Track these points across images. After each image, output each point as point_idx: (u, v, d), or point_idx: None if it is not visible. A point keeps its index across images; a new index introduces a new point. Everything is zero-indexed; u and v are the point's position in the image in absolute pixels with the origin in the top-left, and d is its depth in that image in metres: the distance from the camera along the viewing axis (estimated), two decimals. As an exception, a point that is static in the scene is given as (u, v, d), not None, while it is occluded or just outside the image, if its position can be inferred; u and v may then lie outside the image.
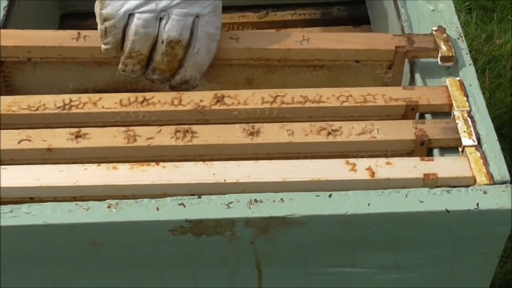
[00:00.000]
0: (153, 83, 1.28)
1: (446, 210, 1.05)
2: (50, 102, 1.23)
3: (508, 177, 1.10)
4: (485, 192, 1.07)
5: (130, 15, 1.19)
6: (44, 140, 1.17)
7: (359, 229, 1.08)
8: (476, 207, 1.05)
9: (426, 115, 1.23)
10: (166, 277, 1.16)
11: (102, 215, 1.06)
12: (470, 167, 1.11)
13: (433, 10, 1.38)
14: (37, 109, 1.22)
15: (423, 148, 1.17)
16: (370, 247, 1.12)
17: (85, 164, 1.13)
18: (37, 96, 1.25)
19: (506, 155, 2.31)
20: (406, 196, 1.07)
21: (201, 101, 1.22)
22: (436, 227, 1.08)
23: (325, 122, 1.18)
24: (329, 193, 1.07)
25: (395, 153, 1.18)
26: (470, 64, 1.27)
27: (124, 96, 1.24)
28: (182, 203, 1.06)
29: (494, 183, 1.09)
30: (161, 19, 1.19)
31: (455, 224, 1.08)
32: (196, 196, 1.07)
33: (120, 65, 1.25)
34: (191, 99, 1.23)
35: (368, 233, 1.09)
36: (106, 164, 1.13)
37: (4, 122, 1.22)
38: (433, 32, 1.30)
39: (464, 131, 1.17)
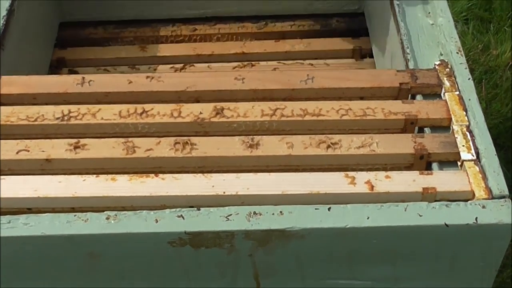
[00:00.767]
0: None
1: (445, 224, 1.05)
2: (49, 113, 1.23)
3: (506, 192, 1.10)
4: (483, 207, 1.07)
5: None
6: (43, 151, 1.17)
7: (358, 242, 1.08)
8: (475, 221, 1.05)
9: (425, 129, 1.23)
10: (164, 288, 1.16)
11: (100, 227, 1.05)
12: (469, 181, 1.12)
13: (432, 24, 1.39)
14: (35, 120, 1.22)
15: (422, 162, 1.17)
16: (369, 260, 1.12)
17: (83, 175, 1.13)
18: (36, 107, 1.24)
19: (501, 165, 2.33)
20: (405, 210, 1.07)
21: (201, 113, 1.22)
22: (434, 241, 1.08)
23: (324, 135, 1.18)
24: (328, 206, 1.07)
25: (394, 166, 1.18)
26: (469, 79, 1.27)
27: (123, 107, 1.23)
28: (181, 215, 1.06)
29: (493, 198, 1.09)
30: None
31: (454, 238, 1.08)
32: (195, 208, 1.07)
33: None
34: (190, 111, 1.23)
35: (367, 246, 1.09)
36: (105, 175, 1.13)
37: (3, 132, 1.21)
38: (436, 67, 1.30)
39: (463, 145, 1.17)
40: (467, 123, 1.20)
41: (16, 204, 1.11)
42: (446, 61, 1.31)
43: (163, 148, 1.17)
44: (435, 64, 1.30)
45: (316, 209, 1.07)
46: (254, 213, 1.06)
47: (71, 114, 1.23)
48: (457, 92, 1.25)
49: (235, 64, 1.86)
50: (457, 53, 1.32)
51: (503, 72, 2.61)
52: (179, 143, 1.18)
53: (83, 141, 1.19)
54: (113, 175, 1.13)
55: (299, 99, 1.28)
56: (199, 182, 1.11)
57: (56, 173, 1.15)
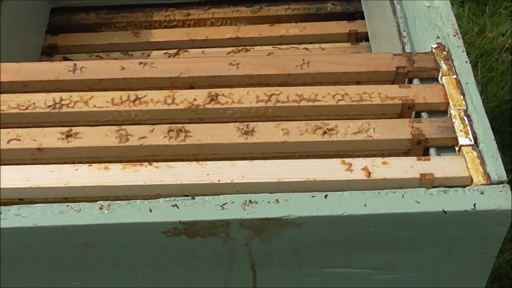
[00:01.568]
0: None
1: (443, 210, 1.04)
2: (41, 101, 1.21)
3: (505, 177, 1.09)
4: (482, 193, 1.06)
5: None
6: (34, 140, 1.15)
7: (355, 230, 1.07)
8: (473, 207, 1.04)
9: (423, 114, 1.21)
10: (160, 278, 1.14)
11: (93, 217, 1.04)
12: (467, 167, 1.10)
13: (429, 6, 1.37)
14: (26, 108, 1.20)
15: (420, 147, 1.16)
16: (367, 247, 1.10)
17: (76, 164, 1.11)
18: (27, 95, 1.22)
19: (498, 149, 2.32)
20: (402, 197, 1.05)
21: (195, 99, 1.20)
22: (433, 228, 1.07)
23: (320, 121, 1.17)
24: (325, 193, 1.06)
25: (391, 152, 1.17)
26: (466, 62, 1.25)
27: (116, 94, 1.21)
28: (176, 204, 1.05)
29: (491, 183, 1.08)
30: None
31: (452, 224, 1.06)
32: (190, 197, 1.05)
33: None
34: (184, 98, 1.21)
35: (365, 233, 1.07)
36: (98, 164, 1.11)
37: (-7, 121, 1.20)
38: (433, 50, 1.28)
39: (461, 130, 1.15)
40: (465, 108, 1.18)
41: (8, 195, 1.09)
42: (443, 44, 1.29)
43: (157, 136, 1.16)
44: (432, 47, 1.29)
45: (312, 196, 1.05)
46: (250, 201, 1.05)
47: (63, 102, 1.21)
48: (455, 76, 1.24)
49: (230, 49, 1.85)
50: (454, 35, 1.30)
51: (499, 55, 2.59)
52: (173, 130, 1.16)
53: (75, 129, 1.17)
54: (106, 164, 1.11)
55: (295, 84, 1.26)
56: (193, 170, 1.10)
57: (48, 163, 1.13)
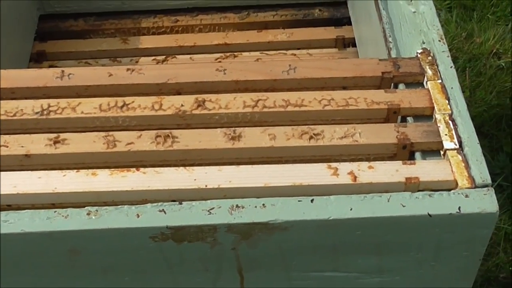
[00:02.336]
0: None
1: (428, 214, 1.05)
2: (28, 108, 1.21)
3: (489, 181, 1.10)
4: (466, 196, 1.07)
5: None
6: (22, 146, 1.16)
7: (341, 234, 1.08)
8: (458, 211, 1.05)
9: (408, 118, 1.22)
10: (147, 283, 1.15)
11: (81, 223, 1.04)
12: (452, 170, 1.11)
13: (414, 12, 1.38)
14: (14, 115, 1.20)
15: (405, 151, 1.17)
16: (353, 251, 1.11)
17: (64, 170, 1.12)
18: (14, 101, 1.23)
19: (486, 153, 2.33)
20: (388, 201, 1.06)
21: (182, 105, 1.21)
22: (418, 231, 1.08)
23: (307, 126, 1.18)
24: (311, 198, 1.06)
25: (377, 156, 1.17)
26: (451, 67, 1.26)
27: (104, 101, 1.22)
28: (163, 209, 1.05)
29: (476, 187, 1.09)
30: None
31: (437, 227, 1.07)
32: (177, 202, 1.06)
33: None
34: (171, 104, 1.21)
35: (351, 237, 1.08)
36: (86, 170, 1.11)
37: (-19, 128, 1.20)
38: (418, 55, 1.29)
39: (446, 134, 1.16)
40: (450, 112, 1.19)
41: (-5, 201, 1.09)
42: (428, 49, 1.30)
43: (144, 141, 1.16)
44: (417, 53, 1.30)
45: (299, 201, 1.06)
46: (237, 206, 1.05)
47: (50, 108, 1.22)
48: (440, 81, 1.25)
49: (218, 55, 1.85)
50: (439, 41, 1.31)
51: (487, 60, 2.61)
52: (160, 136, 1.16)
53: (63, 135, 1.17)
54: (94, 170, 1.11)
55: (281, 89, 1.27)
56: (181, 175, 1.10)
57: (36, 169, 1.13)
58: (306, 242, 1.08)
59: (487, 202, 1.06)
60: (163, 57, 1.85)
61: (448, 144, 1.15)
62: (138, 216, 1.04)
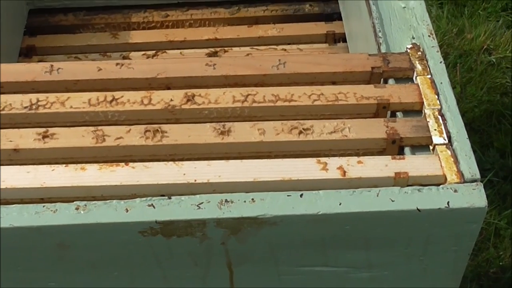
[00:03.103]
0: None
1: (417, 209, 1.05)
2: (17, 102, 1.21)
3: (478, 175, 1.10)
4: (455, 191, 1.07)
5: None
6: (11, 141, 1.15)
7: (330, 229, 1.08)
8: (447, 205, 1.05)
9: (398, 113, 1.22)
10: (136, 278, 1.15)
11: (70, 217, 1.04)
12: (441, 165, 1.11)
13: (404, 7, 1.38)
14: (3, 109, 1.20)
15: (395, 146, 1.17)
16: (342, 246, 1.11)
17: (52, 165, 1.11)
18: (3, 96, 1.22)
19: (476, 148, 2.34)
20: (377, 195, 1.06)
21: (171, 100, 1.21)
22: (407, 226, 1.08)
23: (296, 121, 1.18)
24: (300, 192, 1.06)
25: (366, 151, 1.18)
26: (441, 62, 1.27)
27: (93, 95, 1.22)
28: (152, 204, 1.05)
29: (465, 182, 1.09)
30: None
31: (426, 222, 1.08)
32: (166, 197, 1.06)
33: None
34: (161, 98, 1.21)
35: (340, 232, 1.08)
36: (74, 164, 1.11)
37: (-31, 122, 1.19)
38: (408, 50, 1.29)
39: (435, 129, 1.17)
40: (439, 107, 1.20)
41: (-17, 196, 1.09)
42: (418, 44, 1.30)
43: (133, 136, 1.16)
44: (407, 48, 1.30)
45: (288, 195, 1.06)
46: (226, 200, 1.05)
47: (39, 103, 1.21)
48: (429, 76, 1.25)
49: (208, 50, 1.85)
50: (429, 36, 1.32)
51: (478, 56, 2.62)
52: (149, 131, 1.16)
53: (51, 130, 1.17)
54: (83, 165, 1.11)
55: (271, 84, 1.27)
56: (170, 170, 1.10)
57: (24, 163, 1.13)
58: (295, 237, 1.08)
59: (475, 197, 1.06)
60: (153, 52, 1.85)
61: (437, 139, 1.15)
62: (127, 210, 1.04)
